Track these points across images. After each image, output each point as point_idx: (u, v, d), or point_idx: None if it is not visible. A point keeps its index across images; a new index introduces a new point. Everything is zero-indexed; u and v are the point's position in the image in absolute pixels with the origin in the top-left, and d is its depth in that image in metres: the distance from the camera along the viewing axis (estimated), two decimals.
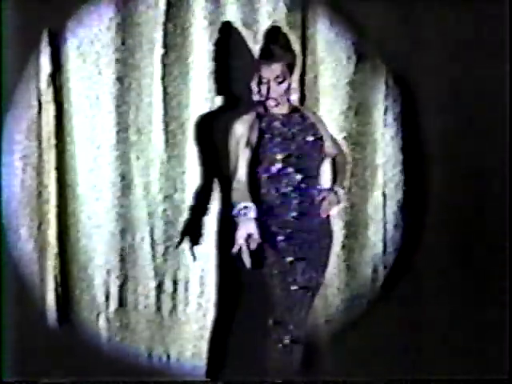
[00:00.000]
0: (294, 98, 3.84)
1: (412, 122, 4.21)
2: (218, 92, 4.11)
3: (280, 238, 3.75)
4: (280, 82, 3.79)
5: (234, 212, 3.66)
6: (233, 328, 4.14)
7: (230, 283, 4.15)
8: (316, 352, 4.13)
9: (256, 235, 3.60)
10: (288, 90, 3.80)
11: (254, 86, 3.80)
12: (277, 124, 3.80)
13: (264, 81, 3.79)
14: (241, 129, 3.78)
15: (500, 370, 4.07)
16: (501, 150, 4.19)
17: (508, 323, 4.15)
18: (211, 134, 4.10)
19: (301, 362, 3.86)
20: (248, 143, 3.76)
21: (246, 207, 3.66)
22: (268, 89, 3.78)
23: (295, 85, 3.83)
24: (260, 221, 3.68)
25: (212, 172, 4.13)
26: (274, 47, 3.84)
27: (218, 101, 4.11)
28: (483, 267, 4.23)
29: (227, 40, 4.10)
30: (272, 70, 3.78)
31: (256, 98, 3.81)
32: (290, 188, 3.77)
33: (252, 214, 3.65)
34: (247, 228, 3.61)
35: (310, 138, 3.81)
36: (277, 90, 3.79)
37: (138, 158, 4.12)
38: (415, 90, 4.19)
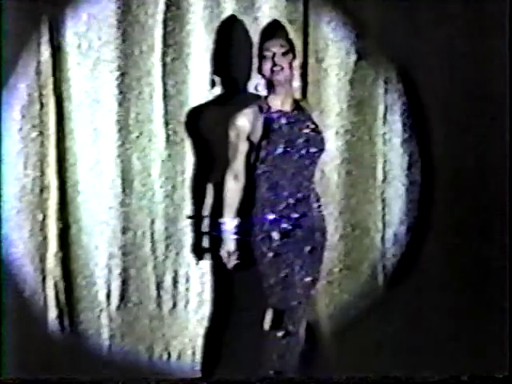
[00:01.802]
0: (296, 85, 3.83)
1: (413, 120, 4.20)
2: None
3: (276, 237, 3.77)
4: (284, 53, 3.77)
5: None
6: (229, 326, 4.15)
7: (226, 282, 4.15)
8: (316, 350, 4.13)
9: (234, 254, 3.68)
10: (291, 67, 3.78)
11: (254, 69, 3.79)
12: (281, 123, 3.80)
13: (268, 55, 3.76)
14: (243, 122, 3.78)
15: (500, 369, 4.08)
16: (504, 149, 4.19)
17: (508, 323, 4.15)
18: (209, 127, 4.11)
19: (300, 360, 3.88)
20: (248, 138, 3.77)
21: (224, 222, 3.74)
22: (273, 62, 3.75)
23: (297, 72, 3.82)
24: (254, 222, 3.75)
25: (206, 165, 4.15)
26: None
27: (217, 91, 4.12)
28: (484, 267, 4.22)
29: (228, 38, 4.11)
30: (275, 42, 3.75)
31: (256, 81, 3.80)
32: (288, 188, 3.78)
33: (229, 227, 3.72)
34: (227, 246, 3.69)
35: (313, 140, 3.81)
36: (282, 61, 3.75)
37: (138, 156, 4.14)
38: (417, 88, 4.18)
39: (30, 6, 3.97)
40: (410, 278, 4.21)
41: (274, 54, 3.75)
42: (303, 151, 3.79)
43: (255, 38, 4.00)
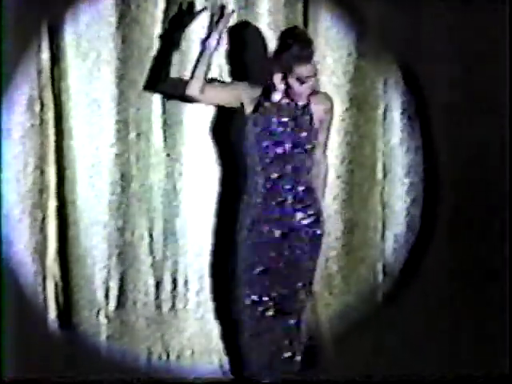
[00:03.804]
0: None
1: (413, 119, 4.21)
2: None
3: (272, 237, 3.79)
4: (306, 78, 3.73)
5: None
6: (228, 326, 4.15)
7: (224, 282, 4.15)
8: (316, 351, 4.14)
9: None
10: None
11: (277, 85, 3.75)
12: (282, 123, 3.80)
13: (292, 80, 3.70)
14: (250, 92, 3.79)
15: (500, 369, 4.09)
16: (505, 148, 4.20)
17: (508, 323, 4.16)
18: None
19: (301, 360, 3.90)
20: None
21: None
22: (301, 87, 3.72)
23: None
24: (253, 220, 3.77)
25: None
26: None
27: None
28: (484, 267, 4.23)
29: (229, 39, 4.10)
30: (308, 69, 3.69)
31: (278, 96, 3.80)
32: (288, 189, 3.80)
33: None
34: None
35: (309, 139, 3.82)
36: (303, 89, 3.73)
37: (137, 156, 4.13)
38: (417, 87, 4.19)
39: (30, 7, 3.97)
40: (409, 278, 4.22)
41: (301, 80, 3.69)
42: (303, 151, 3.79)
43: (258, 39, 4.03)
